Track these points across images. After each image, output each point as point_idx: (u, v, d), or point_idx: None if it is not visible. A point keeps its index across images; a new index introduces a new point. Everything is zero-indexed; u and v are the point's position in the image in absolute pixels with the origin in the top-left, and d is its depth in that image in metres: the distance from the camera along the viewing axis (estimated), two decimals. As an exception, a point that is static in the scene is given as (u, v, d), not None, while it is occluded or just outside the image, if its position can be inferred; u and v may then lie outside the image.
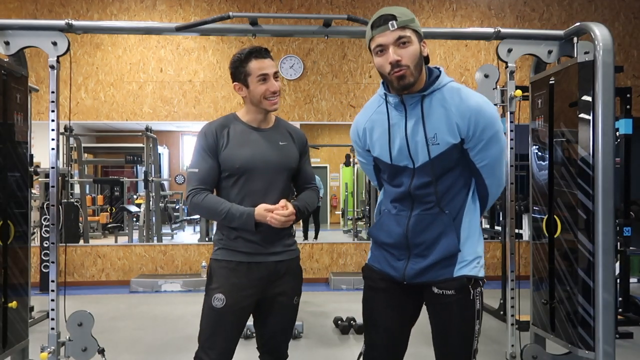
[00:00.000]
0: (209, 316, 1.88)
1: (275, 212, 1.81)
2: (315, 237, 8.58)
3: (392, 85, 1.58)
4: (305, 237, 8.40)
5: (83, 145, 8.48)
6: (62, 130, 6.71)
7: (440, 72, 1.62)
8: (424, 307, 1.75)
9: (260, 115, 1.95)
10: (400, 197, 1.67)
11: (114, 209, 8.89)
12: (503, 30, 2.87)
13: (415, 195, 1.64)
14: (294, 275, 2.00)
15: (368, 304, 1.78)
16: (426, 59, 1.62)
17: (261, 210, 1.82)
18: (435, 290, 1.62)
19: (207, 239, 7.05)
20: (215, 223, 2.09)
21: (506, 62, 2.89)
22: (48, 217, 3.34)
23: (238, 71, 1.90)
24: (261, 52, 1.89)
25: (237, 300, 1.86)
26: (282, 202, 1.85)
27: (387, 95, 1.63)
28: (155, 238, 7.51)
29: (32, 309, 4.34)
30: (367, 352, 1.78)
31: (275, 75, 1.90)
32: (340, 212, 11.43)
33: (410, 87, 1.56)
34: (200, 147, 1.90)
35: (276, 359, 2.03)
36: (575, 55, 2.72)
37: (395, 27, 1.50)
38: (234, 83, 1.93)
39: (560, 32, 2.84)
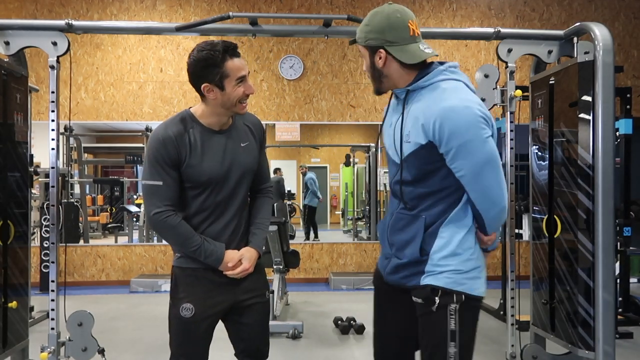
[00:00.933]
0: (177, 326, 1.80)
1: (237, 269, 1.76)
2: (315, 237, 8.58)
3: None
4: (307, 237, 8.43)
5: (83, 145, 8.48)
6: (62, 130, 6.70)
7: (433, 70, 1.55)
8: None
9: (225, 118, 1.76)
10: (391, 192, 1.69)
11: (114, 209, 8.89)
12: (503, 30, 2.87)
13: (394, 191, 1.64)
14: (260, 271, 1.90)
15: (375, 304, 1.78)
16: (410, 62, 1.57)
17: (228, 259, 1.75)
18: (413, 298, 1.58)
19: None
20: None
21: (506, 62, 2.89)
22: (48, 217, 3.34)
23: (210, 71, 1.65)
24: (235, 50, 1.68)
25: (207, 308, 1.77)
26: (242, 258, 1.78)
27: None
28: (155, 238, 7.49)
29: (32, 309, 4.34)
30: (376, 352, 1.78)
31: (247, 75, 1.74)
32: (340, 212, 11.43)
33: (378, 93, 1.66)
34: (160, 158, 1.68)
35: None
36: (575, 55, 2.72)
37: (350, 45, 1.69)
38: (204, 84, 1.67)
39: (560, 32, 2.84)
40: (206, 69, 1.65)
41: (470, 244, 1.57)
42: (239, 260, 1.78)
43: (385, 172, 8.30)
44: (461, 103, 1.46)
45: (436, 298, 1.51)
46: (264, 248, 1.88)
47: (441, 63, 1.59)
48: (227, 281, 1.79)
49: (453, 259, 1.53)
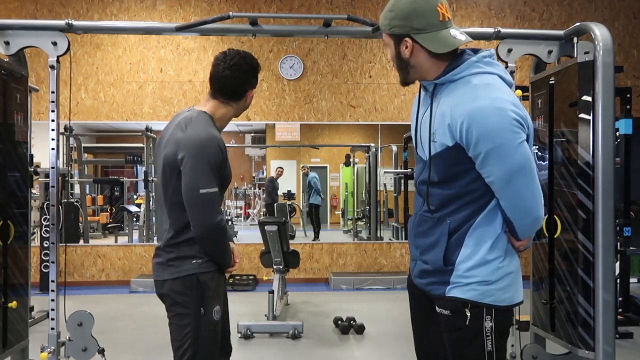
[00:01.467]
0: (210, 332, 1.75)
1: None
2: (317, 237, 8.58)
3: None
4: (317, 236, 8.47)
5: (83, 145, 8.48)
6: (62, 130, 6.70)
7: (465, 61, 1.41)
8: None
9: (225, 123, 1.91)
10: (416, 191, 1.57)
11: (114, 209, 8.89)
12: (503, 30, 2.87)
13: (419, 191, 1.52)
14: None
15: (412, 310, 1.67)
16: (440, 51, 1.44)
17: (236, 252, 1.91)
18: (437, 309, 1.48)
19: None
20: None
21: (506, 62, 2.89)
22: (48, 217, 3.34)
23: (255, 79, 1.86)
24: None
25: (224, 309, 1.90)
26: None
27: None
28: (155, 238, 7.50)
29: (32, 309, 4.34)
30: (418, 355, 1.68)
31: None
32: (340, 212, 11.43)
33: (405, 84, 1.52)
34: (214, 163, 1.70)
35: (228, 353, 1.97)
36: (575, 55, 2.72)
37: (377, 32, 1.54)
38: (250, 90, 1.88)
39: (560, 32, 2.84)
40: (254, 76, 1.84)
41: (500, 252, 1.43)
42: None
43: (385, 172, 8.31)
44: (493, 104, 1.32)
45: (467, 311, 1.40)
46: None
47: (474, 51, 1.46)
48: (224, 286, 1.92)
49: (480, 270, 1.41)
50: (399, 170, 7.85)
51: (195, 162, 1.66)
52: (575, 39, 2.75)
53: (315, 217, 8.83)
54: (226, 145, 1.80)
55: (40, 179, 6.07)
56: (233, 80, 1.80)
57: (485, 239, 1.41)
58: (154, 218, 7.57)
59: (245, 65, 1.81)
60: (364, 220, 9.01)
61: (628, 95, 4.28)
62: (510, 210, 1.39)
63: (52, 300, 2.70)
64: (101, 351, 2.78)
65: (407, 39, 1.41)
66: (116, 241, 7.77)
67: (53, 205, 2.72)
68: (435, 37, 1.39)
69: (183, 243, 1.77)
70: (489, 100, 1.32)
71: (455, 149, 1.37)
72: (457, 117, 1.34)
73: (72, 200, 7.09)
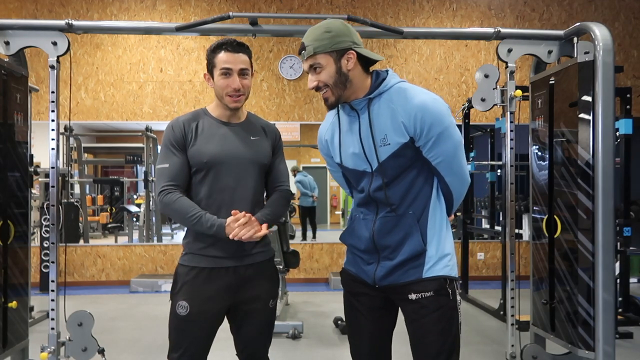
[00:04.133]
0: (173, 322, 1.83)
1: (239, 225, 1.71)
2: (314, 237, 8.58)
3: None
4: (304, 237, 8.41)
5: (83, 145, 8.48)
6: (62, 130, 6.71)
7: (387, 74, 1.63)
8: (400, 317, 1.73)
9: (227, 111, 1.84)
10: (364, 202, 1.69)
11: (114, 209, 8.89)
12: (503, 30, 2.87)
13: (376, 198, 1.64)
14: (268, 278, 1.88)
15: (349, 310, 1.76)
16: (369, 62, 1.63)
17: (230, 223, 1.72)
18: (412, 296, 1.59)
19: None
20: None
21: (506, 62, 2.89)
22: (48, 217, 3.34)
23: (208, 61, 1.83)
24: (233, 46, 1.78)
25: (203, 309, 1.77)
26: (247, 216, 1.73)
27: (340, 105, 1.66)
28: (155, 238, 7.52)
29: (32, 309, 4.34)
30: (352, 355, 1.78)
31: (243, 72, 1.79)
32: (340, 212, 11.43)
33: (336, 105, 1.63)
34: (168, 142, 1.81)
35: None
36: (575, 55, 2.72)
37: (305, 57, 1.59)
38: (205, 72, 1.87)
39: (560, 32, 2.84)
40: (207, 59, 1.83)
41: (449, 228, 1.67)
42: (247, 220, 1.72)
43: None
44: (430, 97, 1.56)
45: (448, 289, 1.58)
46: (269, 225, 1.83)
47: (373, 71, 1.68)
48: (229, 284, 1.79)
49: (444, 244, 1.62)
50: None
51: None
52: (575, 39, 2.75)
53: (310, 219, 8.76)
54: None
55: (40, 179, 6.08)
56: None
57: (441, 220, 1.64)
58: (154, 218, 7.58)
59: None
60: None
61: (628, 95, 4.29)
62: (455, 183, 1.63)
63: (52, 300, 2.70)
64: (101, 351, 2.78)
65: (350, 51, 1.57)
66: (116, 241, 7.78)
67: (53, 205, 2.72)
68: (367, 51, 1.62)
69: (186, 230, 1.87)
70: (425, 95, 1.57)
71: (407, 144, 1.57)
72: (410, 112, 1.54)
73: (72, 200, 7.09)
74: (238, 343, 1.90)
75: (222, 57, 1.78)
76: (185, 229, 1.86)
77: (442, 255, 1.60)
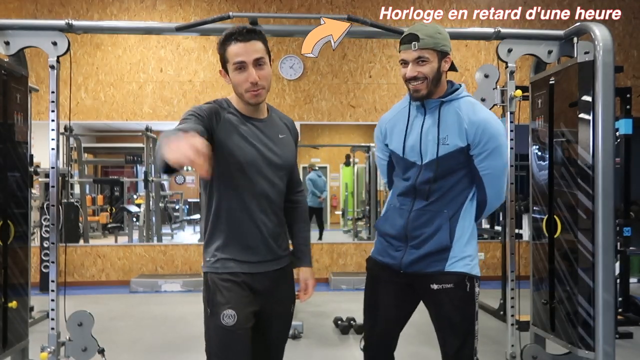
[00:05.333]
0: (219, 337, 1.59)
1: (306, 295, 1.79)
2: (319, 238, 8.58)
3: (410, 94, 1.82)
4: (320, 237, 8.42)
5: (83, 145, 8.48)
6: (62, 130, 6.70)
7: (461, 86, 1.84)
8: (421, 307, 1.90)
9: (249, 107, 1.67)
10: (406, 191, 1.85)
11: (114, 209, 8.89)
12: (503, 30, 2.87)
13: (419, 190, 1.81)
14: (291, 282, 1.81)
15: (370, 291, 1.94)
16: (452, 68, 1.83)
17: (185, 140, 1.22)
18: (434, 286, 1.78)
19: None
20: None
21: (506, 62, 2.89)
22: (48, 217, 3.34)
23: (220, 56, 1.63)
24: (243, 34, 1.58)
25: (247, 317, 1.62)
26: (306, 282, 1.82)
27: (411, 99, 1.85)
28: (155, 238, 7.51)
29: (32, 309, 4.34)
30: (367, 337, 1.94)
31: (259, 62, 1.60)
32: (341, 212, 11.43)
33: (423, 98, 1.79)
34: (192, 112, 1.56)
35: None
36: (575, 55, 2.72)
37: (416, 47, 1.73)
38: (220, 69, 1.68)
39: (560, 32, 2.84)
40: (219, 53, 1.64)
41: (475, 234, 1.85)
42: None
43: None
44: (494, 117, 1.79)
45: (466, 282, 1.78)
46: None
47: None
48: (262, 288, 1.68)
49: (468, 248, 1.80)
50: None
51: None
52: (575, 39, 2.75)
53: (317, 220, 8.76)
54: None
55: (40, 179, 6.07)
56: None
57: (469, 224, 1.82)
58: (153, 218, 7.58)
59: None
60: (364, 220, 9.01)
61: (628, 95, 4.28)
62: (493, 196, 1.83)
63: (52, 300, 2.70)
64: (101, 351, 2.78)
65: (449, 56, 1.79)
66: (116, 241, 7.78)
67: (53, 205, 2.72)
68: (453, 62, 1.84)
69: (205, 234, 1.69)
70: (489, 113, 1.79)
71: (462, 149, 1.76)
72: (475, 123, 1.74)
73: (72, 200, 7.09)
74: (256, 352, 1.70)
75: (234, 49, 1.58)
76: (205, 232, 1.68)
77: (464, 255, 1.79)
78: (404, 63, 1.78)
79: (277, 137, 1.71)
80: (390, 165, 1.98)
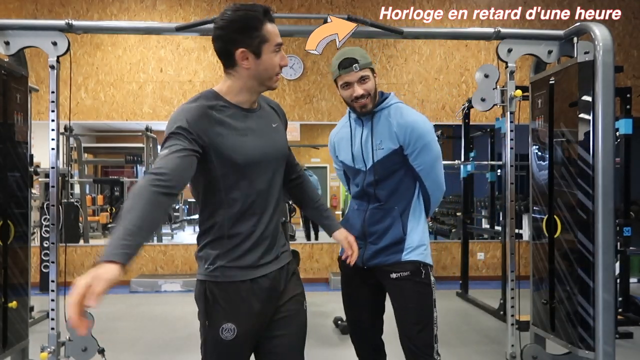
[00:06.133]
0: (215, 349, 1.50)
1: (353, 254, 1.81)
2: (316, 238, 8.56)
3: (354, 110, 2.01)
4: (308, 238, 8.39)
5: (83, 145, 8.48)
6: (62, 130, 6.70)
7: (390, 95, 2.04)
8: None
9: (255, 96, 1.53)
10: (359, 195, 2.08)
11: (114, 209, 8.89)
12: (503, 30, 2.87)
13: (367, 192, 2.03)
14: (297, 278, 1.71)
15: (344, 288, 2.14)
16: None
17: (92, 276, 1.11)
18: (393, 275, 1.96)
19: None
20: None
21: (506, 62, 2.89)
22: (48, 217, 3.34)
23: (249, 34, 1.40)
24: (272, 15, 1.47)
25: (249, 327, 1.51)
26: (348, 240, 1.82)
27: (351, 114, 2.08)
28: (155, 238, 7.50)
29: (32, 309, 4.34)
30: (351, 327, 2.15)
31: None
32: (340, 212, 11.43)
33: (369, 112, 1.98)
34: (171, 129, 1.38)
35: None
36: (575, 55, 2.72)
37: (358, 69, 1.92)
38: (240, 49, 1.42)
39: (560, 32, 2.84)
40: (244, 31, 1.41)
41: (426, 225, 2.06)
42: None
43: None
44: (420, 117, 1.98)
45: (422, 270, 1.96)
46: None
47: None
48: (270, 293, 1.55)
49: (421, 236, 2.00)
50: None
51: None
52: (575, 39, 2.75)
53: (305, 221, 8.73)
54: None
55: (40, 179, 6.08)
56: (217, 41, 1.46)
57: (420, 217, 2.02)
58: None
59: (227, 22, 1.42)
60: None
61: (628, 95, 4.29)
62: (432, 187, 2.02)
63: (52, 300, 2.70)
64: (101, 351, 2.78)
65: (375, 72, 2.01)
66: (116, 241, 7.76)
67: (53, 205, 2.72)
68: None
69: (201, 239, 1.56)
70: (416, 115, 1.99)
71: (396, 151, 1.96)
72: (403, 126, 1.94)
73: (72, 200, 7.09)
74: (272, 356, 1.59)
75: (273, 29, 1.45)
76: (201, 238, 1.56)
77: (418, 245, 1.98)
78: (347, 85, 1.94)
79: (271, 126, 1.58)
80: (346, 174, 2.19)
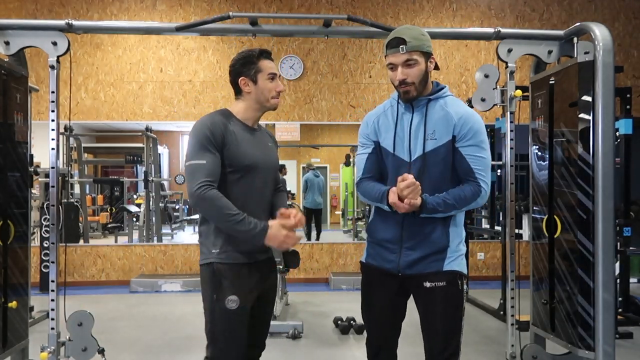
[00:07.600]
0: (223, 320, 1.85)
1: (289, 229, 1.84)
2: (317, 239, 8.57)
3: (399, 95, 1.88)
4: (308, 237, 8.39)
5: (83, 145, 8.48)
6: (62, 130, 6.71)
7: (445, 87, 1.92)
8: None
9: (258, 114, 1.99)
10: None
11: (114, 209, 8.89)
12: (503, 30, 2.87)
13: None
14: (275, 270, 2.11)
15: (366, 294, 1.98)
16: (436, 67, 1.89)
17: (276, 228, 1.80)
18: (427, 284, 1.82)
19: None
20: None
21: (506, 62, 2.89)
22: (48, 217, 3.34)
23: (248, 67, 1.94)
24: (270, 54, 1.99)
25: (247, 302, 1.88)
26: (292, 212, 1.87)
27: (399, 98, 1.90)
28: (155, 238, 7.51)
29: (32, 309, 4.34)
30: (368, 336, 1.99)
31: (280, 77, 2.02)
32: (340, 212, 11.43)
33: (414, 99, 1.85)
34: (205, 139, 1.82)
35: (258, 347, 2.08)
36: (575, 55, 2.72)
37: (405, 50, 1.78)
38: (241, 78, 1.94)
39: (560, 32, 2.84)
40: (244, 65, 1.94)
41: (463, 227, 1.93)
42: (294, 216, 1.85)
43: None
44: (474, 112, 1.87)
45: (458, 281, 1.84)
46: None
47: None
48: (260, 276, 1.94)
49: (462, 246, 1.88)
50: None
51: (189, 140, 1.88)
52: (575, 39, 2.75)
53: (315, 221, 8.74)
54: None
55: (40, 179, 6.08)
56: (230, 75, 2.00)
57: (461, 222, 1.90)
58: (153, 218, 7.58)
59: (235, 61, 1.98)
60: (364, 220, 9.01)
61: (628, 95, 4.29)
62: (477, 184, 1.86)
63: (52, 300, 2.70)
64: (101, 351, 2.78)
65: (433, 57, 1.86)
66: (116, 241, 7.78)
67: (53, 205, 2.72)
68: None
69: (205, 229, 1.92)
70: (471, 110, 1.88)
71: (450, 142, 1.82)
72: (458, 118, 1.83)
73: (72, 200, 7.09)
74: (253, 333, 1.98)
75: (268, 63, 1.95)
76: (206, 230, 1.91)
77: (459, 254, 1.85)
78: (392, 66, 1.82)
79: (267, 144, 2.04)
80: (371, 158, 1.95)
